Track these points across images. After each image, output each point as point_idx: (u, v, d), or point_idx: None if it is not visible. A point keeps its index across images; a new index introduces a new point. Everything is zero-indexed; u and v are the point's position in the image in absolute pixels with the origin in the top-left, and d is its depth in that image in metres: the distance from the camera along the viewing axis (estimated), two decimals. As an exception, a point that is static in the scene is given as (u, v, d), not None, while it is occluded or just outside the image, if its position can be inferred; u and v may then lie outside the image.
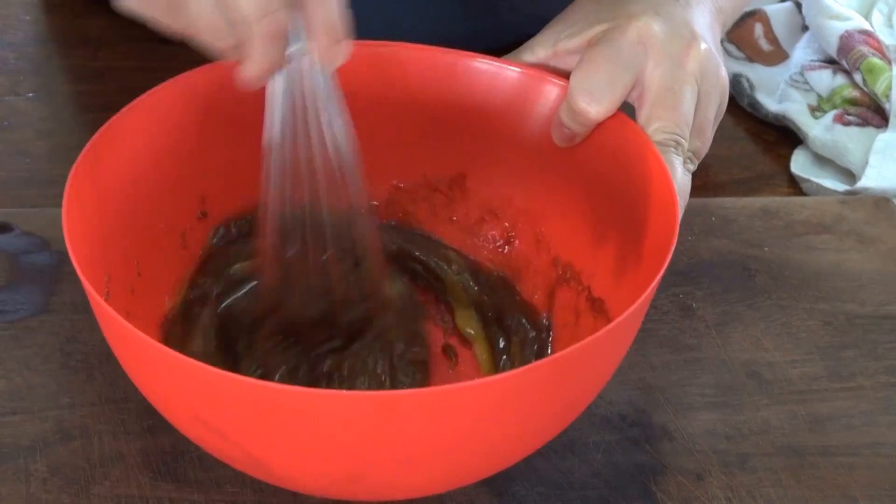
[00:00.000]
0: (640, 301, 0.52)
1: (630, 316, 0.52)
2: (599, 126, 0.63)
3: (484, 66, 0.67)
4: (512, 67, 0.66)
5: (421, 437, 0.50)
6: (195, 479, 0.60)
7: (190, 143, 0.64)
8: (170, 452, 0.61)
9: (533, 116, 0.66)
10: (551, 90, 0.65)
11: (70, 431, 0.62)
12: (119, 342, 0.54)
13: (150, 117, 0.62)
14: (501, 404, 0.50)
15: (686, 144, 0.62)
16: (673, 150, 0.61)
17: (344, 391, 0.48)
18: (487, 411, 0.50)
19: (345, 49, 0.54)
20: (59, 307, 0.68)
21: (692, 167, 0.63)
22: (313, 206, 0.60)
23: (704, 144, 0.64)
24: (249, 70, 0.53)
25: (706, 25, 0.66)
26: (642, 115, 0.62)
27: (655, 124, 0.62)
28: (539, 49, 0.67)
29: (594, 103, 0.61)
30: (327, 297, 0.63)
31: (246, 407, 0.49)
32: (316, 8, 0.52)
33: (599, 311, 0.63)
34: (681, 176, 0.61)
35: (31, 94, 0.88)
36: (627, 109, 0.64)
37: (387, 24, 0.74)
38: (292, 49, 0.54)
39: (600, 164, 0.63)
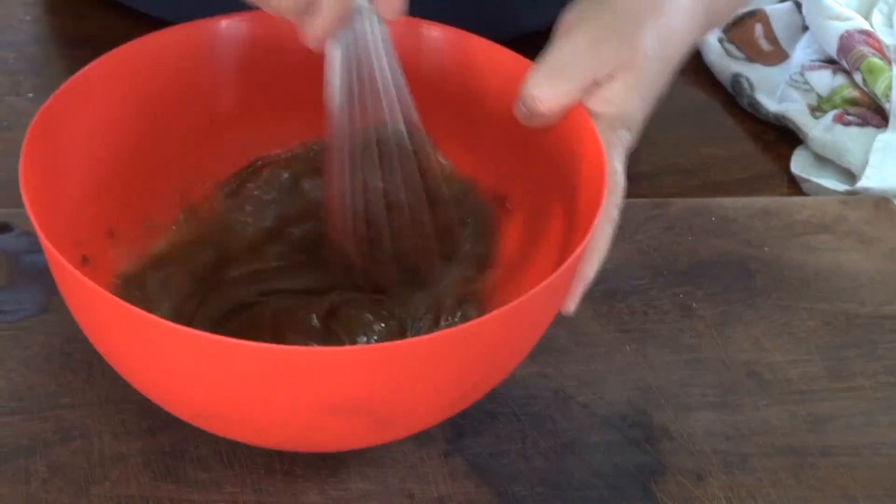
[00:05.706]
0: (535, 290, 0.52)
1: (525, 302, 0.52)
2: None
3: (436, 33, 0.66)
4: (462, 34, 0.65)
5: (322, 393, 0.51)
6: (195, 479, 0.60)
7: (156, 106, 0.64)
8: (170, 452, 0.61)
9: (486, 88, 0.65)
10: (503, 60, 0.64)
11: (70, 431, 0.62)
12: (64, 288, 0.55)
13: (112, 77, 0.61)
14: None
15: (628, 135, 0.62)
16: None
17: (265, 344, 0.48)
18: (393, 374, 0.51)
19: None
20: (59, 307, 0.68)
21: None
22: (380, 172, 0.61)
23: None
24: (317, 25, 0.54)
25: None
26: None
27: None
28: None
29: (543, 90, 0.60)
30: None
31: (186, 353, 0.51)
32: None
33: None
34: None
35: (31, 94, 0.88)
36: None
37: None
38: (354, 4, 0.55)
39: (545, 141, 0.63)
